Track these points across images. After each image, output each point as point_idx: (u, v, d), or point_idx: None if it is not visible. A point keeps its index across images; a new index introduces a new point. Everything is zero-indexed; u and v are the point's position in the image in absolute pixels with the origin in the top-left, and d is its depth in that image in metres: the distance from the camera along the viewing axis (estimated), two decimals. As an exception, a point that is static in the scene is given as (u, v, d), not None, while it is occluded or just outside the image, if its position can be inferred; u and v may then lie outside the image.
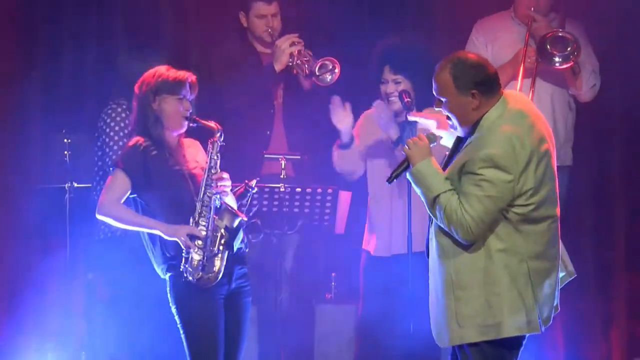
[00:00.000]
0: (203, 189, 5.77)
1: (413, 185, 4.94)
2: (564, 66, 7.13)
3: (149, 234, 5.75)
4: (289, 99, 7.43)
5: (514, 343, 4.86)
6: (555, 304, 4.95)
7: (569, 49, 7.15)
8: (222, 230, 5.76)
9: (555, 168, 4.90)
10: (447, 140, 5.10)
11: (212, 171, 5.78)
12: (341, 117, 6.66)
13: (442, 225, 4.84)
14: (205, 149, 6.02)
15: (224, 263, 5.73)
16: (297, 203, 6.93)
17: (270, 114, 7.28)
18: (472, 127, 4.87)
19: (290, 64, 7.23)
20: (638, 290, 7.83)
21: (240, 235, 5.76)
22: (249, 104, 6.86)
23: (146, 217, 5.76)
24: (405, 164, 4.96)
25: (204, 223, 5.74)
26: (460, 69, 4.79)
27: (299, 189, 6.93)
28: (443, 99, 4.79)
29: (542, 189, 4.81)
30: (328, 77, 7.23)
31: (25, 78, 8.08)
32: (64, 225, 7.33)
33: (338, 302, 7.74)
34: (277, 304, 6.98)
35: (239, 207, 5.87)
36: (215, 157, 5.80)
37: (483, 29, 7.44)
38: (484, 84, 4.76)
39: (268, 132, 7.04)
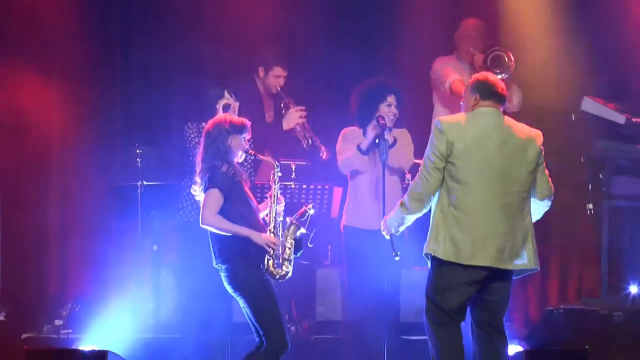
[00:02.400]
0: (274, 211, 6.40)
1: (403, 224, 6.09)
2: (508, 74, 8.05)
3: (223, 239, 6.31)
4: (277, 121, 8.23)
5: (452, 267, 5.85)
6: (489, 256, 5.79)
7: (506, 60, 8.18)
8: (291, 240, 6.39)
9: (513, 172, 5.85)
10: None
11: (276, 197, 6.45)
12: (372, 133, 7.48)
13: (425, 196, 5.88)
14: None
15: (292, 263, 6.38)
16: (303, 195, 7.91)
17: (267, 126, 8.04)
18: None
19: (294, 128, 8.12)
20: (546, 259, 8.63)
21: (302, 242, 6.39)
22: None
23: (239, 226, 6.28)
24: (390, 240, 6.26)
25: (277, 234, 6.35)
26: (479, 79, 6.08)
27: (304, 186, 7.91)
28: (464, 90, 6.09)
29: (470, 161, 5.81)
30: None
31: (108, 107, 9.04)
32: (136, 211, 8.15)
33: (333, 267, 8.40)
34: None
35: (297, 221, 6.43)
36: (277, 186, 6.47)
37: (440, 63, 8.59)
38: (484, 92, 6.00)
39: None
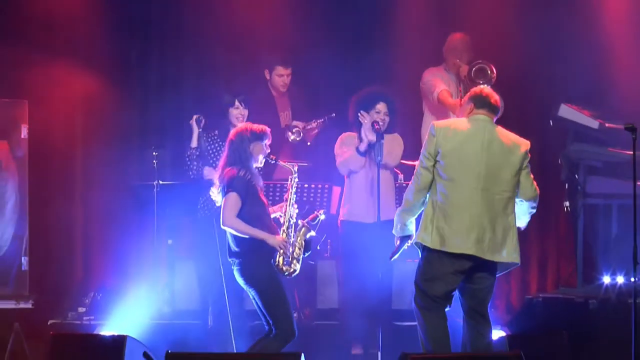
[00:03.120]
0: (289, 213, 6.55)
1: (401, 223, 6.26)
2: (490, 85, 8.05)
3: (240, 239, 6.49)
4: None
5: (439, 257, 6.12)
6: (470, 245, 5.98)
7: (488, 72, 8.44)
8: (301, 241, 6.56)
9: (499, 175, 6.06)
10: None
11: (292, 201, 6.64)
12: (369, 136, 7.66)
13: (416, 193, 6.12)
14: None
15: (301, 261, 6.56)
16: (305, 194, 8.12)
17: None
18: None
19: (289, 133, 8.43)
20: (526, 252, 8.69)
21: (311, 244, 6.59)
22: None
23: (256, 229, 6.44)
24: (398, 243, 6.36)
25: (289, 235, 6.53)
26: (475, 92, 6.34)
27: (306, 185, 8.12)
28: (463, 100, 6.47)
29: (457, 160, 6.06)
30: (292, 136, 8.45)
31: (127, 114, 9.28)
32: (153, 209, 8.38)
33: (332, 259, 8.60)
34: (291, 260, 7.62)
35: (308, 224, 6.64)
36: (293, 190, 6.66)
37: (430, 74, 8.85)
38: (478, 102, 6.26)
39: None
